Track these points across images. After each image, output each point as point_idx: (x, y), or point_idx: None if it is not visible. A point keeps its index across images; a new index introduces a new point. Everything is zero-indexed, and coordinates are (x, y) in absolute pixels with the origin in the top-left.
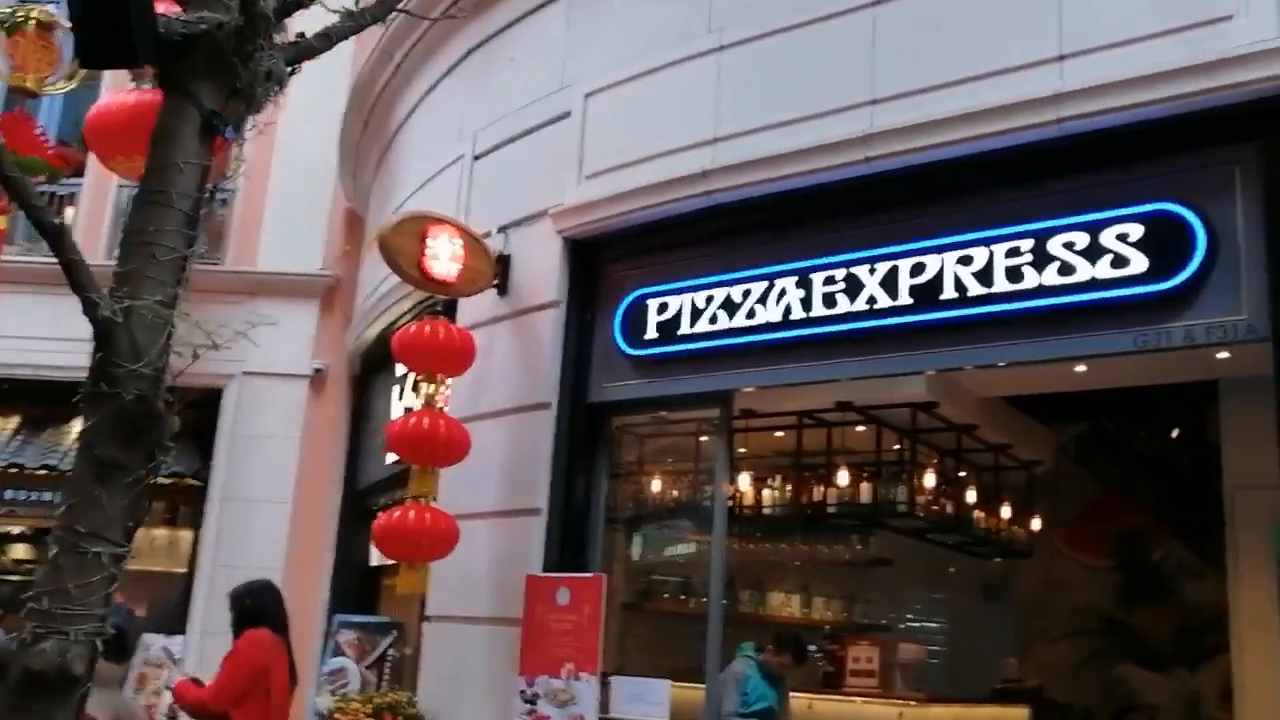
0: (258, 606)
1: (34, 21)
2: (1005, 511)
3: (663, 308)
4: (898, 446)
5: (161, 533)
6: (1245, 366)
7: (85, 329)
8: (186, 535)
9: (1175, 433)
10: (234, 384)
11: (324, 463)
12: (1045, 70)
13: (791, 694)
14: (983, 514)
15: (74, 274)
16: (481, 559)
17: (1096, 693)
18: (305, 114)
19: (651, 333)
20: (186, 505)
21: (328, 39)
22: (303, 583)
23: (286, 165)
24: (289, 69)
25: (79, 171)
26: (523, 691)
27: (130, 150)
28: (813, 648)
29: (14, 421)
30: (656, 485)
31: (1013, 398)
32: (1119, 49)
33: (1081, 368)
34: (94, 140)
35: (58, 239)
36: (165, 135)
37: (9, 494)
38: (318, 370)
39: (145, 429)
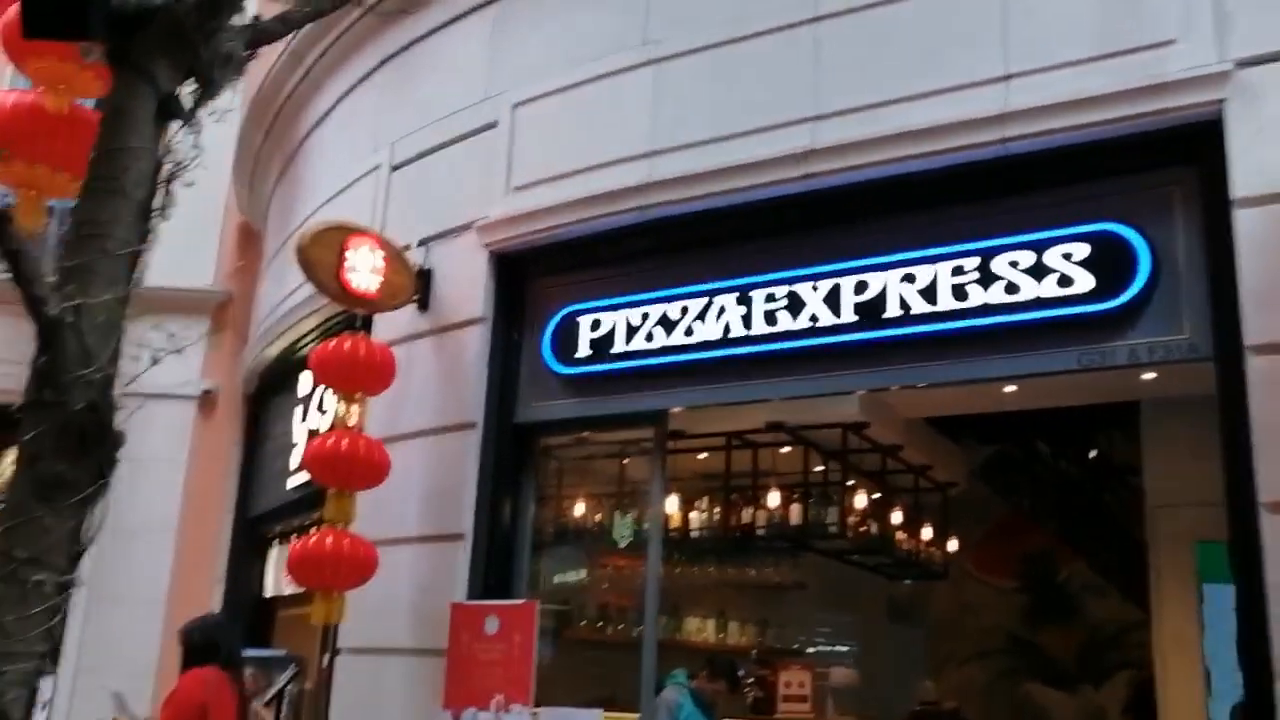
0: (207, 642)
1: None
2: (926, 533)
3: (595, 325)
4: (821, 469)
5: None
6: (1169, 387)
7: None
8: None
9: (1093, 454)
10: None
11: (213, 488)
12: (991, 90)
13: None
14: (905, 536)
15: (18, 267)
16: (401, 587)
17: (1005, 712)
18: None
19: (583, 350)
20: None
21: (285, 23)
22: (189, 616)
23: None
24: (246, 53)
25: None
26: None
27: (8, 154)
28: (741, 672)
29: None
30: (586, 509)
31: (931, 419)
32: (1064, 70)
33: (1011, 388)
34: None
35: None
36: (117, 117)
37: None
38: (207, 391)
39: (95, 442)
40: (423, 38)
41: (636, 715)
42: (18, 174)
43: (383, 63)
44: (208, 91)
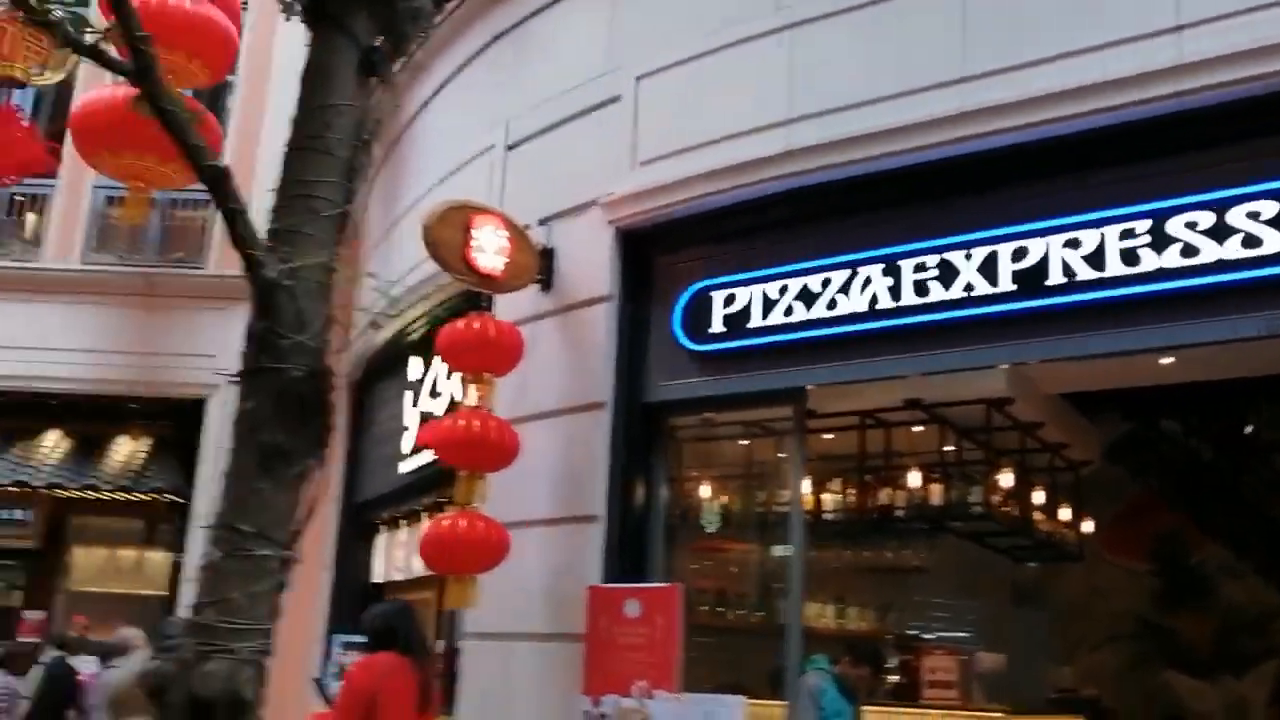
0: (386, 628)
1: (27, 9)
2: (1064, 514)
3: (730, 299)
4: (952, 448)
5: (132, 553)
6: None
7: (59, 338)
8: (158, 556)
9: (1249, 429)
10: (218, 394)
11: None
12: (1162, 41)
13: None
14: (1042, 516)
15: (236, 227)
16: (531, 570)
17: (1139, 700)
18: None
19: (717, 326)
20: (166, 524)
21: None
22: (297, 602)
23: (272, 164)
24: (433, 7)
25: (50, 172)
26: (587, 711)
27: (118, 147)
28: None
29: None
30: (717, 490)
31: (1067, 394)
32: (1243, 17)
33: (1168, 359)
34: (80, 136)
35: (218, 185)
36: (320, 75)
37: None
38: None
39: (312, 410)
40: (537, 12)
41: (779, 703)
42: (127, 167)
43: (493, 41)
44: (398, 47)
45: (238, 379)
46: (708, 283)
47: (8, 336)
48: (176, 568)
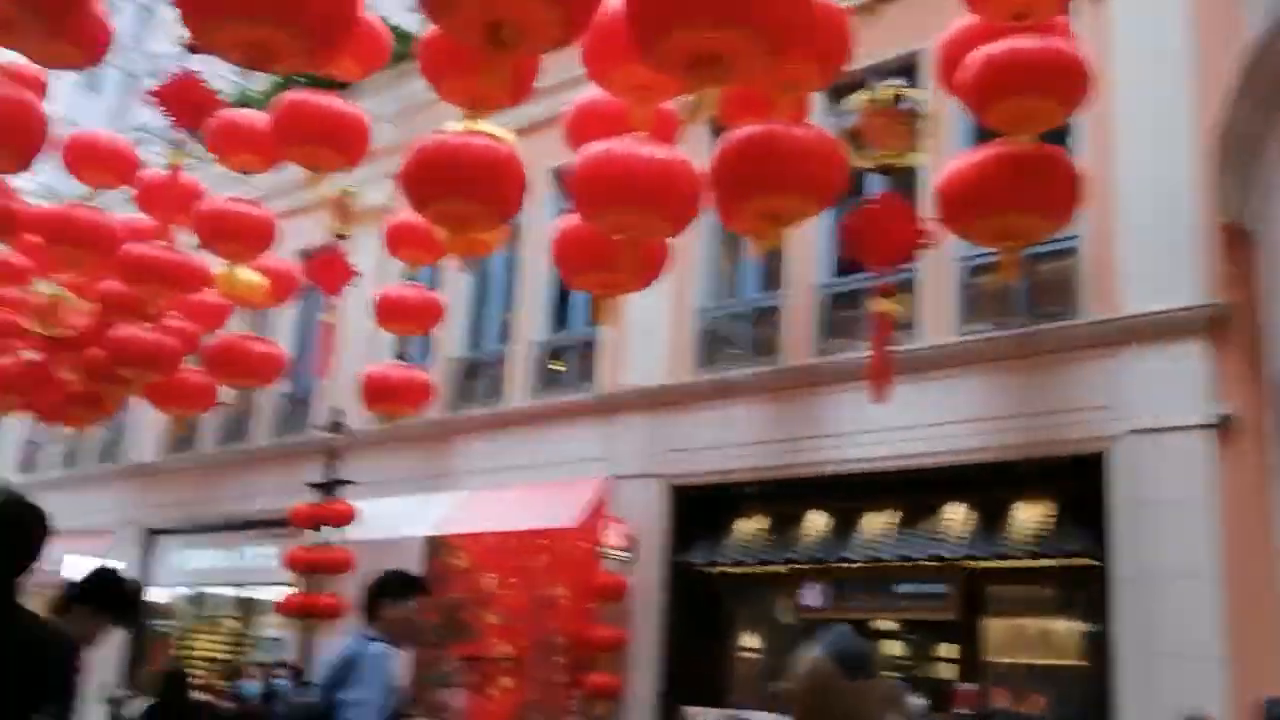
0: None
1: (890, 98)
2: None
3: None
4: None
5: (1043, 622)
6: None
7: (941, 412)
8: (1071, 625)
9: None
10: (1119, 445)
11: (1258, 525)
12: None
13: None
14: None
15: None
16: None
17: None
18: (1144, 131)
19: None
20: (1078, 589)
21: None
22: (1260, 671)
23: (1131, 194)
24: None
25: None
26: None
27: (987, 211)
28: None
29: (896, 515)
30: None
31: None
32: None
33: None
34: (948, 207)
35: None
36: None
37: (899, 588)
38: (1224, 417)
39: None
40: None
41: None
42: (995, 229)
43: None
44: None
45: None
46: None
47: (896, 419)
48: (1097, 637)
